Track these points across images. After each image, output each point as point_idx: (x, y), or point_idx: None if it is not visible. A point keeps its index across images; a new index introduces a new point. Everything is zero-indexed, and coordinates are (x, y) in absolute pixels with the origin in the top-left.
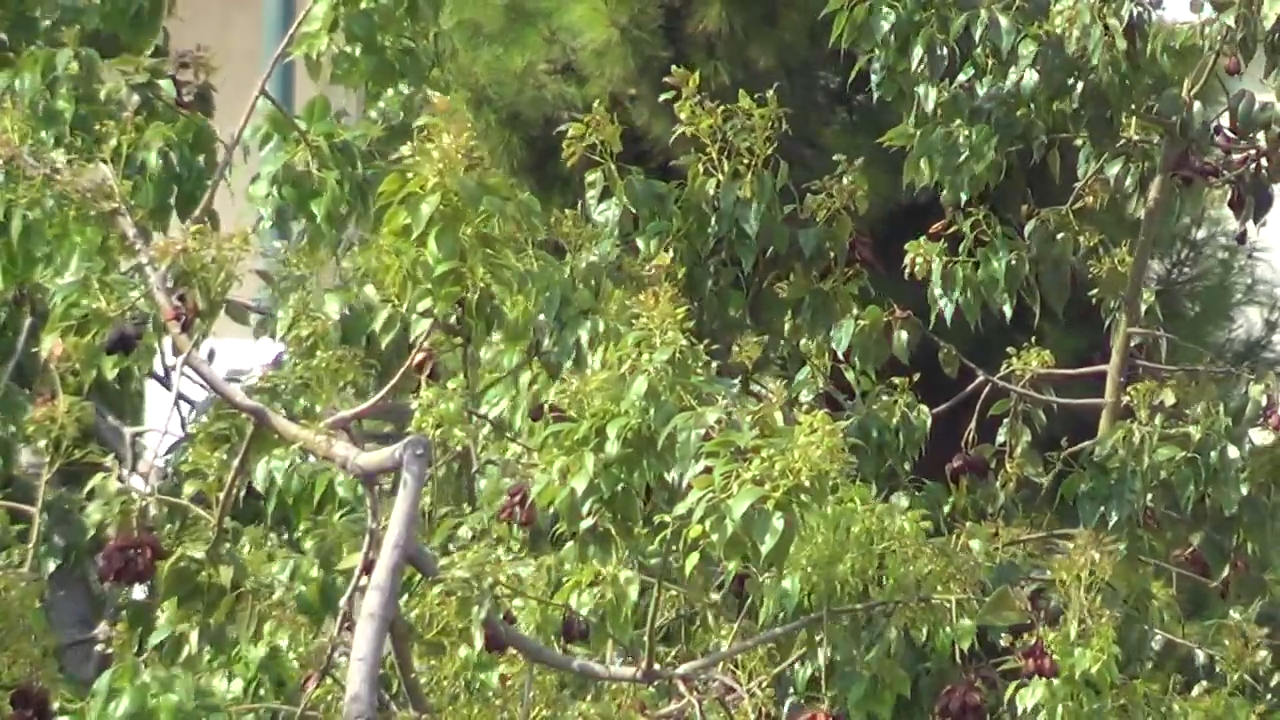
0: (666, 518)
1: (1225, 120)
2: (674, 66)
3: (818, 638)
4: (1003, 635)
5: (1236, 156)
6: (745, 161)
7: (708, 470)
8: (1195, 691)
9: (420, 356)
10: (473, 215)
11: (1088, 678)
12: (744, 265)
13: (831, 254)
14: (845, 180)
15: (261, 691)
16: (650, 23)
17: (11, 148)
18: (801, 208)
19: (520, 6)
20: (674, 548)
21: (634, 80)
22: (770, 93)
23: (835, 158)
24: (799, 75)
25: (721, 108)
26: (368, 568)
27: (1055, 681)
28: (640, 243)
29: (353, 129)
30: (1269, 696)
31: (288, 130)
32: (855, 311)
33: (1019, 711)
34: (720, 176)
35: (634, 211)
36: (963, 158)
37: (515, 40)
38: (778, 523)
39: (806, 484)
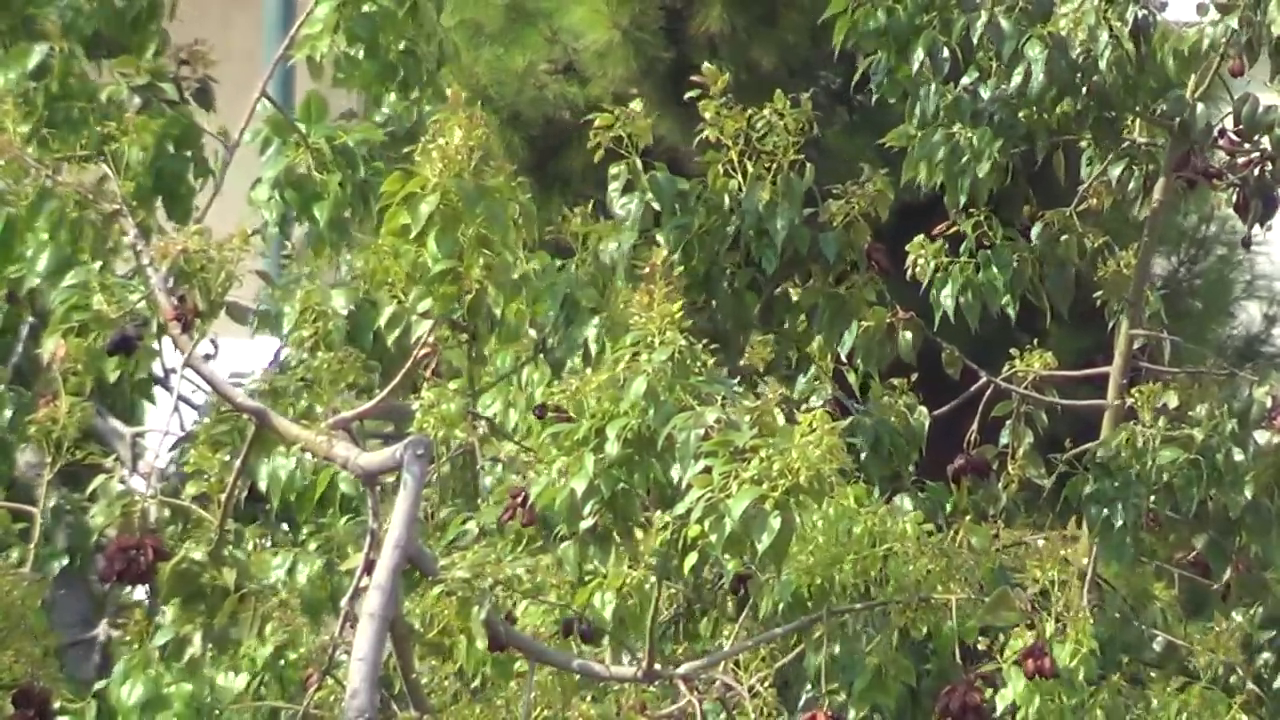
0: (666, 517)
1: (1229, 123)
2: (705, 65)
3: (817, 634)
4: (978, 639)
5: (1241, 160)
6: (767, 165)
7: (707, 470)
8: (1173, 685)
9: (424, 352)
10: (471, 216)
11: (1067, 674)
12: (765, 267)
13: (848, 259)
14: (869, 186)
15: (264, 690)
16: (652, 23)
17: (12, 148)
18: (821, 209)
19: (521, 7)
20: (673, 549)
21: (635, 81)
22: (805, 96)
23: (844, 160)
24: (800, 76)
25: (747, 110)
26: (369, 568)
27: (1037, 678)
28: (660, 238)
29: (354, 131)
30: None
31: (288, 133)
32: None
33: (998, 710)
34: (740, 179)
35: (656, 208)
36: (964, 160)
37: (516, 40)
38: (774, 521)
39: (804, 483)
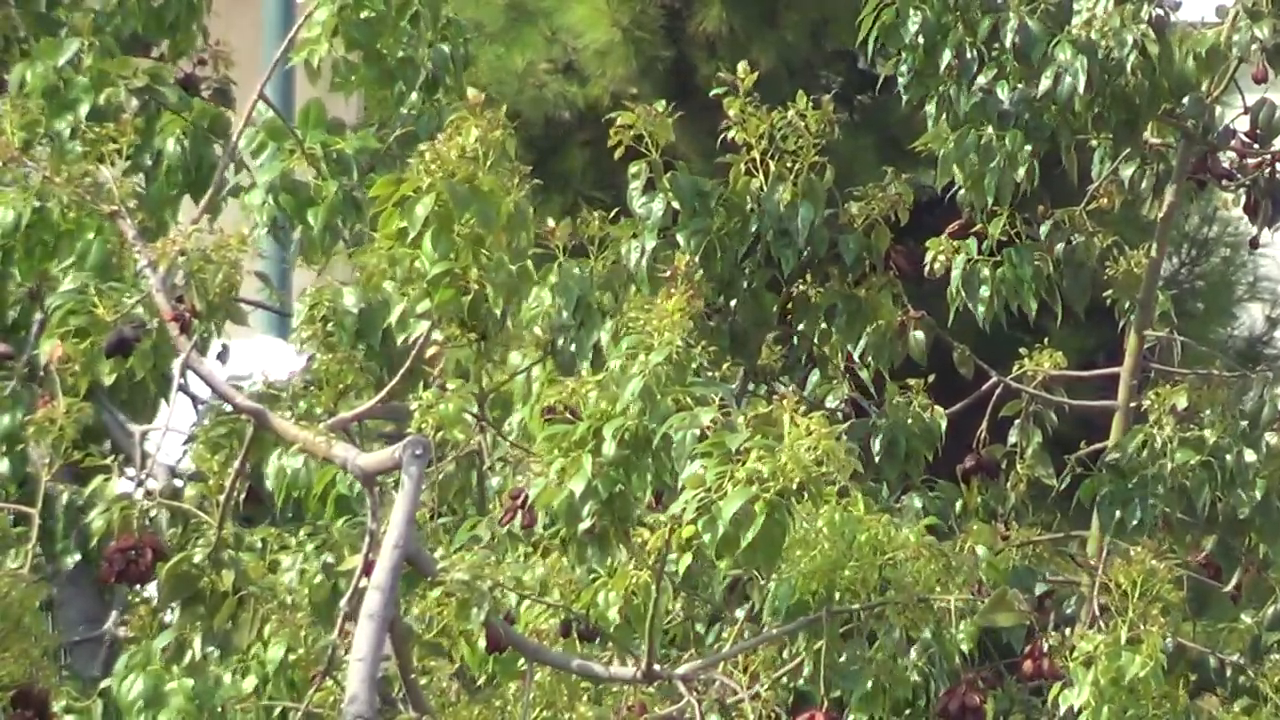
0: (661, 518)
1: (1239, 125)
2: (740, 64)
3: (819, 644)
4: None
5: (1251, 161)
6: (789, 165)
7: (700, 471)
8: (1237, 706)
9: (432, 351)
10: (465, 217)
11: (1132, 683)
12: (783, 267)
13: (868, 261)
14: (890, 189)
15: (273, 693)
16: (651, 23)
17: (12, 150)
18: (840, 211)
19: (521, 6)
20: (671, 550)
21: (635, 80)
22: (827, 98)
23: (844, 159)
24: (800, 75)
25: (773, 110)
26: (368, 568)
27: (1103, 682)
28: (680, 239)
29: (352, 139)
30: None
31: (284, 138)
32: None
33: (1061, 712)
34: (762, 179)
35: (675, 207)
36: (994, 161)
37: (516, 40)
38: (763, 522)
39: (795, 486)
